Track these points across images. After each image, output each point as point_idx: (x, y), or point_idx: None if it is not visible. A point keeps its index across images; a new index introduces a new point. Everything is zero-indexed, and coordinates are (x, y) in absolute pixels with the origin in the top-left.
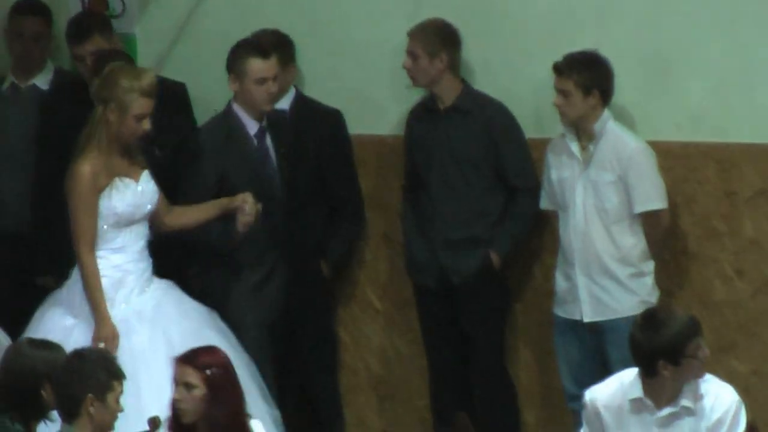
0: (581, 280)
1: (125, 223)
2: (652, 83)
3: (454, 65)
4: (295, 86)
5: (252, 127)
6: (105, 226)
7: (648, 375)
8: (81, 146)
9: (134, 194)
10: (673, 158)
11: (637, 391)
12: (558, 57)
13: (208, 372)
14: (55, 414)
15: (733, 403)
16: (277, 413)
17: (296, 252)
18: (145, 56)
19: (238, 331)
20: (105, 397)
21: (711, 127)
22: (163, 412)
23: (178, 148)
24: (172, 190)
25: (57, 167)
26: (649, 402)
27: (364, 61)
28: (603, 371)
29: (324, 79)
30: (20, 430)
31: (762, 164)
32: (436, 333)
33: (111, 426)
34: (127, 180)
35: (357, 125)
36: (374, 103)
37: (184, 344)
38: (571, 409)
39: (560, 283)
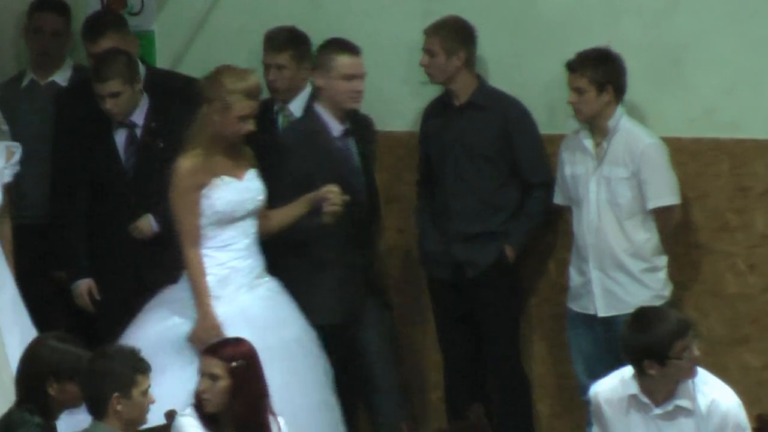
0: (595, 275)
1: (228, 220)
2: (665, 79)
3: (470, 62)
4: (311, 83)
5: (335, 128)
6: (208, 224)
7: (638, 373)
8: (185, 144)
9: (236, 191)
10: (685, 154)
11: (633, 388)
12: (571, 53)
13: (233, 364)
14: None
15: (731, 407)
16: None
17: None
18: (163, 53)
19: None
20: (130, 392)
21: (723, 123)
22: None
23: (261, 153)
24: None
25: (73, 162)
26: (645, 399)
27: (379, 58)
28: (616, 364)
29: None
30: (39, 422)
31: None
32: (450, 326)
33: (142, 420)
34: (228, 178)
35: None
36: (389, 99)
37: (274, 354)
38: (585, 400)
39: (574, 277)
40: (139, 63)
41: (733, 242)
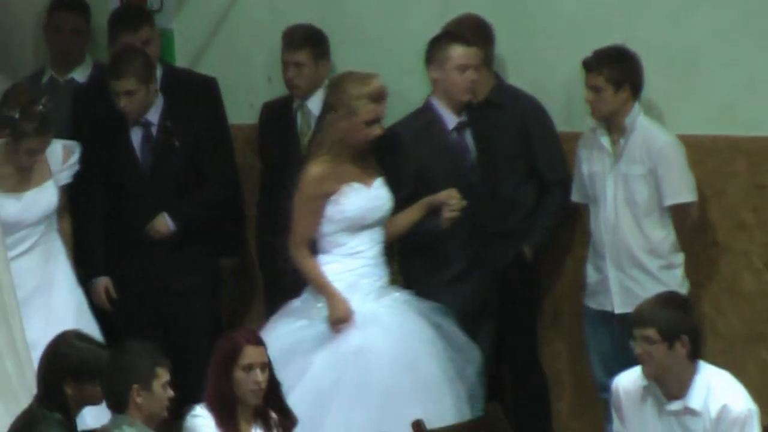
0: (612, 272)
1: (357, 227)
2: (681, 77)
3: (488, 60)
4: (329, 80)
5: (450, 120)
6: (338, 230)
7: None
8: (313, 151)
9: (365, 199)
10: (702, 152)
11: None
12: (587, 51)
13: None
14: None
15: (740, 414)
16: None
17: None
18: (182, 51)
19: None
20: (150, 385)
21: (740, 121)
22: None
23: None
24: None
25: (90, 161)
26: (657, 391)
27: (398, 57)
28: (633, 362)
29: None
30: (59, 418)
31: None
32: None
33: (161, 413)
34: (357, 185)
35: (390, 119)
36: (407, 97)
37: (396, 363)
38: (603, 399)
39: (591, 275)
40: (156, 64)
41: (750, 240)
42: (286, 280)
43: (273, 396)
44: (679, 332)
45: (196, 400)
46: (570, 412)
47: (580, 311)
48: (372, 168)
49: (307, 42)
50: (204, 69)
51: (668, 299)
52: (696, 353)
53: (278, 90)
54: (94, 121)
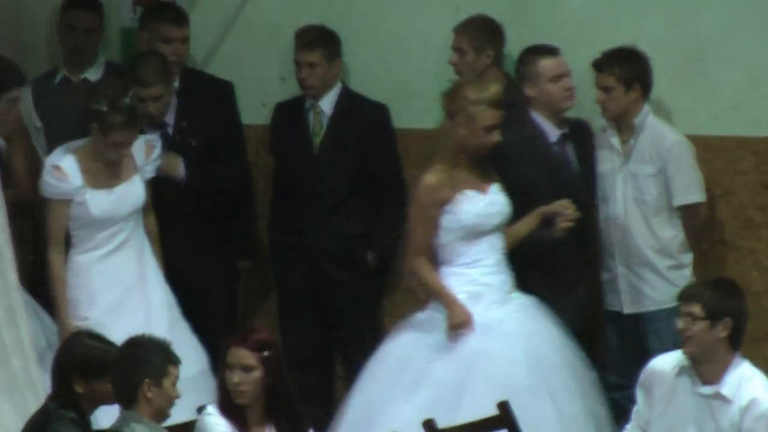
0: (621, 272)
1: (474, 235)
2: (690, 77)
3: (499, 60)
4: (341, 81)
5: (552, 133)
6: (455, 239)
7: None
8: (433, 160)
9: (481, 206)
10: (710, 151)
11: (685, 360)
12: (596, 52)
13: (264, 353)
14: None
15: (762, 415)
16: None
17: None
18: (195, 51)
19: None
20: (161, 381)
21: (748, 120)
22: None
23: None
24: None
25: None
26: (693, 373)
27: (409, 56)
28: (643, 361)
29: (369, 74)
30: (73, 416)
31: None
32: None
33: (168, 411)
34: (472, 192)
35: (402, 118)
36: (419, 96)
37: (529, 363)
38: (613, 398)
39: (601, 274)
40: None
41: (758, 239)
42: (296, 278)
43: (279, 400)
44: (722, 313)
45: None
46: None
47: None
48: (488, 174)
49: (319, 42)
50: (216, 69)
51: (719, 281)
52: (737, 339)
53: (291, 90)
54: None
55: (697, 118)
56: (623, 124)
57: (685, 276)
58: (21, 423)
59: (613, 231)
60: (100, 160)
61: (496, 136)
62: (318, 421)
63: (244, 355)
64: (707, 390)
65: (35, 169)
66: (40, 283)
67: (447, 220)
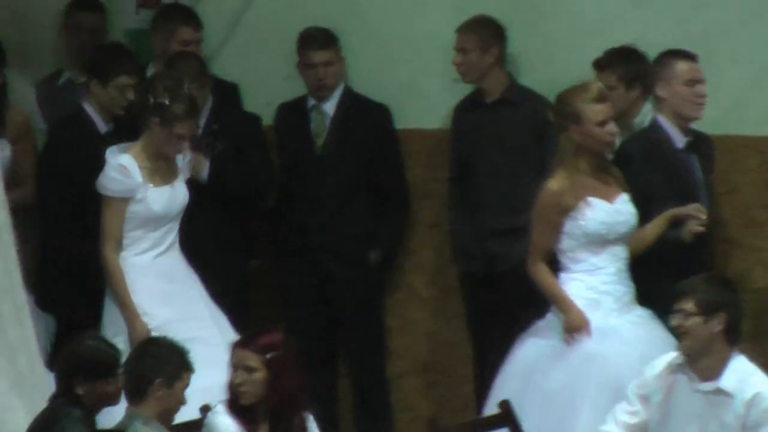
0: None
1: (598, 243)
2: None
3: (502, 59)
4: (344, 82)
5: (679, 140)
6: (578, 246)
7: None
8: (552, 168)
9: (606, 214)
10: (715, 149)
11: (678, 357)
12: (599, 50)
13: (268, 355)
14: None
15: None
16: None
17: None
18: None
19: None
20: (173, 384)
21: (752, 119)
22: None
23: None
24: None
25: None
26: (689, 370)
27: (412, 56)
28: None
29: (372, 74)
30: (79, 415)
31: None
32: (481, 319)
33: (173, 415)
34: (596, 200)
35: (405, 119)
36: (422, 96)
37: (633, 371)
38: None
39: None
40: None
41: (762, 237)
42: (300, 278)
43: (282, 401)
44: (717, 307)
45: None
46: None
47: None
48: (616, 183)
49: (331, 41)
50: (220, 69)
51: (712, 276)
52: (733, 333)
53: (294, 90)
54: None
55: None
56: (624, 123)
57: None
58: (29, 420)
59: None
60: (154, 157)
61: (611, 128)
62: (321, 419)
63: (246, 357)
64: (707, 386)
65: None
66: (43, 283)
67: (571, 227)
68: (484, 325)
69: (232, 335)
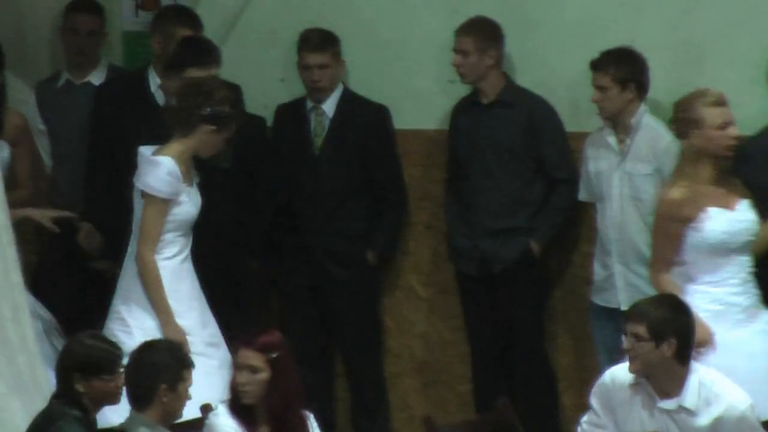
0: (618, 269)
1: (720, 253)
2: (687, 76)
3: (499, 61)
4: (342, 82)
5: None
6: (699, 258)
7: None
8: (672, 176)
9: (727, 222)
10: None
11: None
12: (594, 51)
13: (272, 355)
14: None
15: (746, 410)
16: None
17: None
18: None
19: None
20: (177, 386)
21: (745, 119)
22: None
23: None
24: None
25: (107, 159)
26: (648, 388)
27: (408, 57)
28: None
29: (369, 75)
30: (78, 415)
31: None
32: (477, 319)
33: (179, 414)
34: (717, 210)
35: (402, 120)
36: (418, 98)
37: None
38: None
39: (598, 271)
40: None
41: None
42: (297, 277)
43: (283, 401)
44: (667, 333)
45: None
46: (576, 405)
47: (586, 307)
48: (735, 190)
49: (328, 43)
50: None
51: (664, 300)
52: (684, 355)
53: (291, 91)
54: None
55: None
56: (619, 124)
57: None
58: (28, 420)
59: (610, 229)
60: (187, 161)
61: (732, 132)
62: (318, 418)
63: (250, 356)
64: (669, 404)
65: (39, 171)
66: (43, 284)
67: (692, 238)
68: (481, 324)
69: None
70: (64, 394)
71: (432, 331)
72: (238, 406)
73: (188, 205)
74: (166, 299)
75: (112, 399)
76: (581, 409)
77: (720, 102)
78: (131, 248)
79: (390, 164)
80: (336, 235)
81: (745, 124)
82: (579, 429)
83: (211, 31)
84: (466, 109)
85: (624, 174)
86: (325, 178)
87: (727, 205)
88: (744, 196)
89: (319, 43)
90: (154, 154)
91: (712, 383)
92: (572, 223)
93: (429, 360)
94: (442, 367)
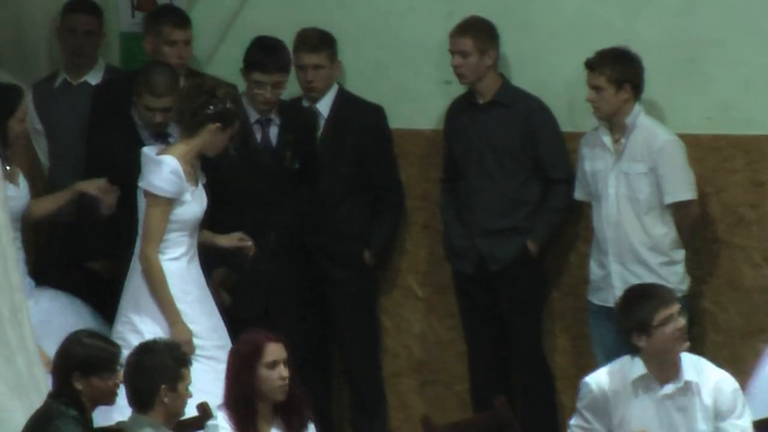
0: (615, 268)
1: None
2: (682, 76)
3: (496, 61)
4: (338, 83)
5: None
6: None
7: (634, 351)
8: None
9: None
10: (702, 150)
11: (640, 369)
12: (590, 52)
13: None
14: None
15: (736, 389)
16: None
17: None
18: (193, 53)
19: None
20: (176, 385)
21: (739, 119)
22: None
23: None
24: None
25: (103, 159)
26: (653, 377)
27: (404, 58)
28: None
29: (365, 76)
30: (75, 415)
31: None
32: (475, 318)
33: (181, 413)
34: None
35: (398, 119)
36: (414, 98)
37: None
38: None
39: (595, 271)
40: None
41: (749, 236)
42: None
43: (292, 394)
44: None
45: None
46: (573, 404)
47: (584, 306)
48: None
49: (324, 44)
50: (214, 71)
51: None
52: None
53: (288, 91)
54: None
55: (690, 117)
56: (615, 124)
57: (677, 272)
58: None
59: (607, 228)
60: (192, 161)
61: None
62: (316, 418)
63: (283, 349)
64: (669, 388)
65: (36, 171)
66: (41, 284)
67: None
68: (478, 324)
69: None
70: (61, 393)
71: (430, 330)
72: (241, 407)
73: (192, 205)
74: (171, 299)
75: (110, 398)
76: None
77: None
78: (137, 249)
79: (387, 164)
80: (333, 234)
81: (740, 126)
82: None
83: (207, 31)
84: (462, 110)
85: (620, 173)
86: (321, 177)
87: None
88: None
89: (315, 43)
90: (158, 154)
91: (698, 360)
92: (569, 222)
93: (427, 359)
94: (440, 367)
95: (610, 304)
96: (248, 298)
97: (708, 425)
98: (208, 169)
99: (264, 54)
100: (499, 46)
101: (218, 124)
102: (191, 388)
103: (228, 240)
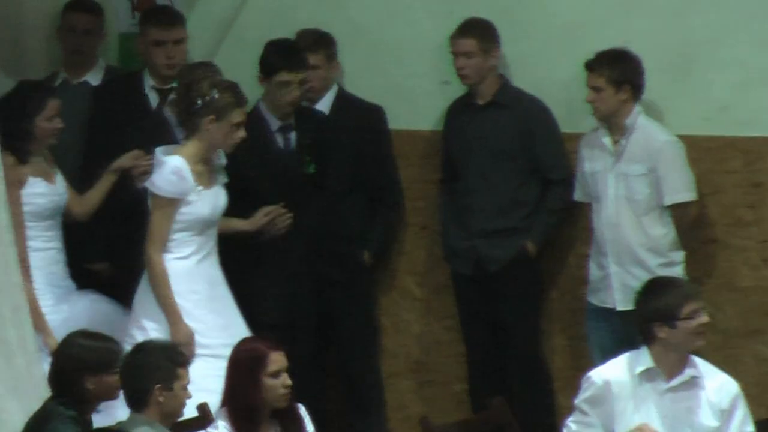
0: (613, 269)
1: None
2: (680, 78)
3: (498, 61)
4: (337, 83)
5: None
6: None
7: (648, 341)
8: None
9: None
10: (700, 151)
11: (646, 362)
12: (588, 53)
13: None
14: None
15: (739, 392)
16: None
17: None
18: (191, 53)
19: None
20: (172, 385)
21: (737, 120)
22: None
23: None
24: None
25: (104, 159)
26: (659, 371)
27: (402, 58)
28: None
29: (364, 76)
30: (73, 415)
31: None
32: (472, 319)
33: (179, 414)
34: None
35: (396, 120)
36: (412, 98)
37: None
38: None
39: (593, 272)
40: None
41: (747, 237)
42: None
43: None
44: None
45: None
46: (571, 405)
47: (581, 307)
48: None
49: (320, 44)
50: None
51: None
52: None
53: None
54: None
55: (688, 118)
56: (614, 125)
57: (676, 274)
58: (25, 421)
59: (606, 229)
60: (202, 161)
61: None
62: (314, 418)
63: (284, 358)
64: (676, 381)
65: None
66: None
67: None
68: (476, 325)
69: None
70: (59, 394)
71: (427, 331)
72: (245, 415)
73: (197, 205)
74: (172, 299)
75: (113, 394)
76: None
77: None
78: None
79: (385, 165)
80: (331, 235)
81: (738, 127)
82: (565, 431)
83: (206, 31)
84: (461, 110)
85: (619, 174)
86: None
87: None
88: None
89: (312, 44)
90: (167, 154)
91: (709, 368)
92: (567, 223)
93: (425, 360)
94: (438, 367)
95: (609, 305)
96: (275, 301)
97: (713, 421)
98: (237, 181)
99: (287, 54)
100: (497, 47)
101: (211, 116)
102: (193, 387)
103: (250, 224)
